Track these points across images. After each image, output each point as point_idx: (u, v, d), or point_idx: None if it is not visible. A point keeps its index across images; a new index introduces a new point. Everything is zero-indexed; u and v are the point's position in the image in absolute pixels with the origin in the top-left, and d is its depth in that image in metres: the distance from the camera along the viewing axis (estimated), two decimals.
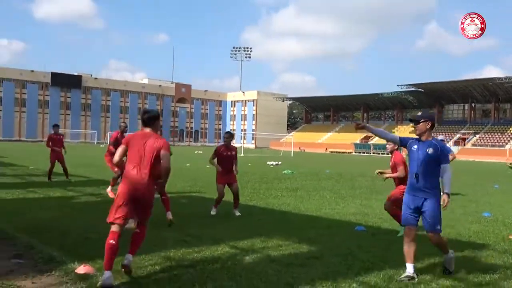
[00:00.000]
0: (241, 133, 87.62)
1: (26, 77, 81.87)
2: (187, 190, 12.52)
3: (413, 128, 5.34)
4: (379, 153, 65.08)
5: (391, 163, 7.48)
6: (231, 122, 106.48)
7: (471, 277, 5.06)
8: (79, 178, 14.81)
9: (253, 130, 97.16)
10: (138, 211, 4.74)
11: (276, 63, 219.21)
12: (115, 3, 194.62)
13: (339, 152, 71.47)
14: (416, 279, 4.83)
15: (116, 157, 5.00)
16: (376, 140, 74.80)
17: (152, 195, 4.78)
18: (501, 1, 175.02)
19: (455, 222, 8.73)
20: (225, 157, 8.89)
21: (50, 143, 14.01)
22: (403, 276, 4.86)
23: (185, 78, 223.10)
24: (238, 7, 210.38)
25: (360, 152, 71.94)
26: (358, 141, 77.55)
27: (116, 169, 10.51)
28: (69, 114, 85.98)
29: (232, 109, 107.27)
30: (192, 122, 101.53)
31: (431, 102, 78.39)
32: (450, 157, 13.36)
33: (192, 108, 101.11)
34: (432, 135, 5.21)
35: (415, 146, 5.14)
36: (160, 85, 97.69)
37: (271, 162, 29.51)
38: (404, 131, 70.92)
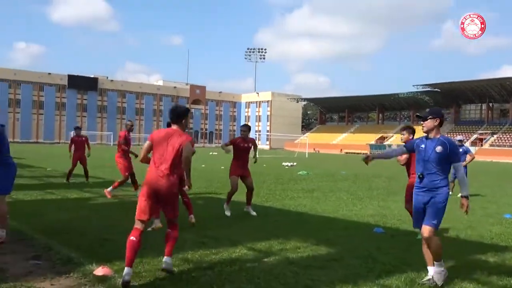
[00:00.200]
0: (256, 134, 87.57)
1: (44, 80, 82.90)
2: (203, 191, 12.51)
3: None
4: None
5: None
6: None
7: (495, 279, 4.94)
8: (96, 179, 14.90)
9: (267, 131, 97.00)
10: (164, 209, 4.80)
11: (290, 64, 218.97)
12: (130, 6, 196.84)
13: (354, 153, 70.97)
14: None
15: (142, 153, 5.03)
16: (391, 140, 74.23)
17: (173, 192, 4.76)
18: None
19: (476, 224, 8.57)
20: (242, 149, 8.81)
21: (72, 145, 14.15)
22: (425, 279, 4.75)
23: (199, 79, 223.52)
24: (252, 9, 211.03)
25: None
26: (373, 142, 76.91)
27: (126, 173, 10.76)
28: (85, 116, 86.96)
29: (246, 110, 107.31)
30: (206, 124, 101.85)
31: (448, 102, 77.36)
32: (469, 157, 13.21)
33: (207, 109, 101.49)
34: (447, 134, 5.02)
35: (423, 145, 4.90)
36: (175, 87, 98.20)
37: (286, 163, 29.35)
38: (420, 131, 69.55)
